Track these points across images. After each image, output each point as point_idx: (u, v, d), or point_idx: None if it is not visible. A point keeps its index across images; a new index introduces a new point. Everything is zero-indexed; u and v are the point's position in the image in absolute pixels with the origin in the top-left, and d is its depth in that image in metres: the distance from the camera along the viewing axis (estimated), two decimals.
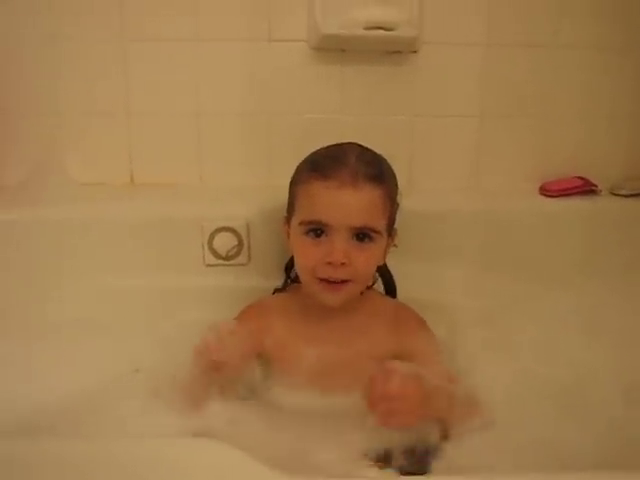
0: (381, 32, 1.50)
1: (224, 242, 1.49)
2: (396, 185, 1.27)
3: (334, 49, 1.57)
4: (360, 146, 1.24)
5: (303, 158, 1.26)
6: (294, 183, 1.25)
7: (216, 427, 1.04)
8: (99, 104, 1.59)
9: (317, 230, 1.17)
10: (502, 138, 1.67)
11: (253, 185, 1.61)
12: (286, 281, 1.39)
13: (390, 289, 1.43)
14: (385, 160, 1.26)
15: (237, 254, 1.50)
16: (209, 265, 1.50)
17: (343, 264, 1.15)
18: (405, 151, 1.65)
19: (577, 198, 1.62)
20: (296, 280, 1.33)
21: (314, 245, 1.17)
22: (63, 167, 1.60)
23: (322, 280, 1.17)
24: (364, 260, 1.17)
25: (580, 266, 1.54)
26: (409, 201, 1.51)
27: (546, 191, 1.63)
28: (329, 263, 1.15)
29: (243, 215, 1.49)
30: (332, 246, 1.15)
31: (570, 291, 1.45)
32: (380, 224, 1.19)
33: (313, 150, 1.26)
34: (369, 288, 1.31)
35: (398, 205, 1.27)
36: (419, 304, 1.41)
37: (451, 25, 1.58)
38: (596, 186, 1.63)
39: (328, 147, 1.25)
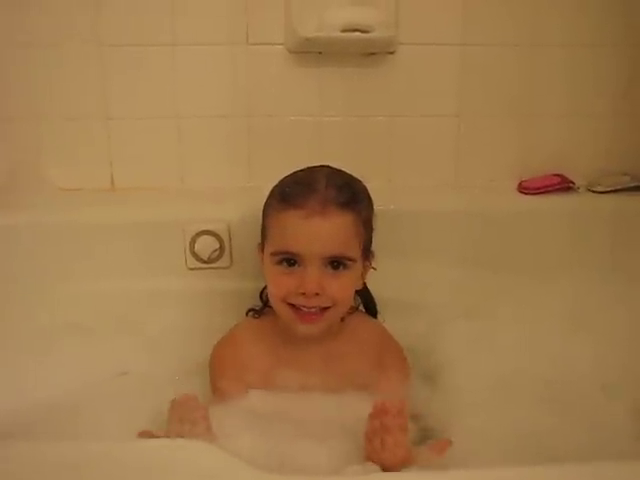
0: (358, 34, 1.51)
1: (206, 245, 1.49)
2: (371, 207, 1.24)
3: (312, 52, 1.57)
4: (331, 169, 1.21)
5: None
6: (265, 210, 1.22)
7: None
8: (78, 109, 1.59)
9: (290, 260, 1.14)
10: (480, 137, 1.68)
11: (234, 188, 1.62)
12: (263, 307, 1.31)
13: (371, 311, 1.37)
14: (358, 182, 1.23)
15: (219, 257, 1.50)
16: (191, 269, 1.50)
17: (317, 294, 1.12)
18: (384, 151, 1.66)
19: (555, 195, 1.63)
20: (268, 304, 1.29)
21: (286, 275, 1.14)
22: (43, 172, 1.60)
23: (296, 310, 1.14)
24: (339, 288, 1.14)
25: (559, 263, 1.56)
26: (389, 201, 1.54)
27: (524, 189, 1.64)
28: (302, 294, 1.12)
29: (224, 218, 1.49)
30: (305, 276, 1.12)
31: (550, 287, 1.47)
32: (354, 251, 1.16)
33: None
34: (351, 312, 1.28)
35: (373, 229, 1.24)
36: (400, 303, 1.43)
37: (427, 25, 1.60)
38: (573, 183, 1.65)
39: (298, 172, 1.21)
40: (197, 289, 1.50)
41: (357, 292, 1.28)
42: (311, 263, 1.12)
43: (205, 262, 1.50)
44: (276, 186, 1.21)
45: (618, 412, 1.17)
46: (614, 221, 1.60)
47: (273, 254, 1.16)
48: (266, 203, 1.22)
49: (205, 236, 1.48)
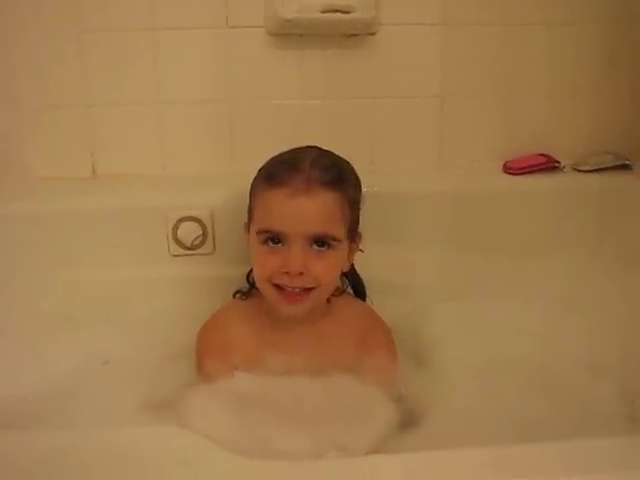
0: (338, 15, 1.50)
1: (188, 232, 1.48)
2: (358, 188, 1.24)
3: (292, 34, 1.56)
4: (319, 149, 1.22)
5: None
6: (252, 190, 1.21)
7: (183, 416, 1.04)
8: (57, 97, 1.57)
9: (274, 239, 1.14)
10: (464, 117, 1.67)
11: (216, 173, 1.60)
12: (250, 288, 1.31)
13: (359, 294, 1.36)
14: (346, 162, 1.23)
15: (202, 244, 1.49)
16: (174, 255, 1.49)
17: (301, 274, 1.11)
18: (367, 133, 1.65)
19: (541, 175, 1.63)
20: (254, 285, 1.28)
21: (271, 254, 1.14)
22: (23, 162, 1.58)
23: (280, 290, 1.14)
24: (323, 268, 1.13)
25: (546, 242, 1.56)
26: (373, 183, 1.53)
27: (509, 169, 1.64)
28: (286, 273, 1.12)
29: (207, 204, 1.48)
30: (289, 255, 1.12)
31: (537, 267, 1.48)
32: (338, 231, 1.15)
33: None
34: (339, 294, 1.28)
35: (360, 210, 1.24)
36: (387, 286, 1.42)
37: (408, 6, 1.58)
38: (559, 162, 1.64)
39: (285, 152, 1.22)
40: (181, 276, 1.49)
41: (345, 274, 1.30)
42: (295, 242, 1.12)
43: (188, 248, 1.49)
44: (263, 166, 1.21)
45: (607, 393, 1.16)
46: (600, 200, 1.60)
47: (258, 233, 1.15)
48: (253, 183, 1.21)
49: (188, 222, 1.47)
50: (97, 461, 0.79)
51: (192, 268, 1.50)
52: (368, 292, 1.36)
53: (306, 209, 1.12)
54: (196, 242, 1.48)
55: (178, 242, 1.48)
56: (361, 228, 1.24)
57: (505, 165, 1.65)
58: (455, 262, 1.53)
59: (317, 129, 1.60)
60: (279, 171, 1.16)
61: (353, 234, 1.22)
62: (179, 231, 1.47)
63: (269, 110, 1.60)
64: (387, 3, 1.56)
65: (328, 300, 1.24)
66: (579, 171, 1.65)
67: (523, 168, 1.62)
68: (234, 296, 1.32)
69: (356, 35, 1.58)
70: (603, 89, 1.70)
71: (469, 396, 1.17)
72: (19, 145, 1.58)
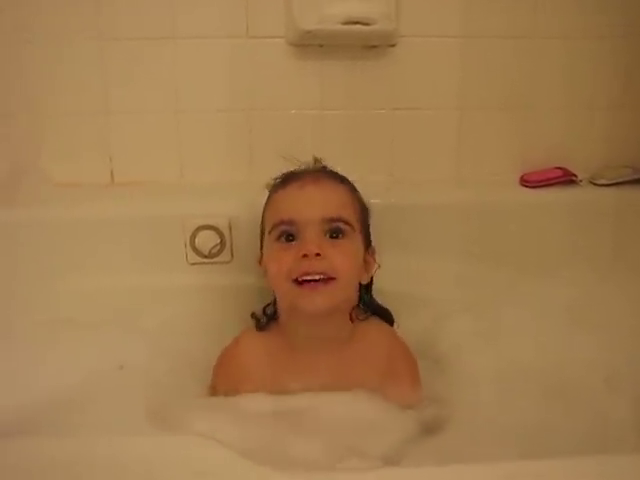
0: (359, 27, 1.50)
1: (206, 240, 1.48)
2: (365, 206, 1.25)
3: (312, 45, 1.56)
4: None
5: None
6: (263, 210, 1.23)
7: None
8: (78, 103, 1.58)
9: (288, 235, 1.14)
10: (482, 130, 1.67)
11: (234, 182, 1.61)
12: (267, 321, 1.27)
13: (386, 319, 1.31)
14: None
15: (219, 252, 1.49)
16: (192, 264, 1.49)
17: (318, 255, 1.10)
18: (386, 144, 1.65)
19: (557, 188, 1.62)
20: (273, 317, 1.26)
21: (286, 249, 1.13)
22: (42, 167, 1.59)
23: (300, 283, 1.11)
24: (339, 255, 1.12)
25: (561, 256, 1.55)
26: (391, 195, 1.54)
27: (526, 182, 1.64)
28: (304, 256, 1.10)
29: (225, 213, 1.48)
30: (304, 241, 1.11)
31: (552, 280, 1.47)
32: (351, 216, 1.16)
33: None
34: (363, 319, 1.24)
35: (369, 224, 1.25)
36: (404, 297, 1.42)
37: (428, 18, 1.59)
38: (576, 176, 1.64)
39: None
40: (198, 284, 1.49)
41: (370, 308, 1.28)
42: (308, 228, 1.12)
43: (206, 257, 1.49)
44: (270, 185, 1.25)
45: (621, 405, 1.16)
46: (617, 214, 1.59)
47: (271, 230, 1.16)
48: (263, 209, 1.24)
49: (206, 231, 1.48)
50: (113, 468, 0.79)
51: (209, 276, 1.50)
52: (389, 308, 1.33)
53: (315, 195, 1.15)
54: (214, 251, 1.48)
55: (196, 250, 1.48)
56: (374, 243, 1.25)
57: (522, 178, 1.65)
58: (472, 274, 1.52)
59: (336, 140, 1.61)
60: (286, 175, 1.21)
61: (367, 237, 1.23)
62: (197, 239, 1.48)
63: (288, 120, 1.60)
64: (407, 15, 1.56)
65: (351, 319, 1.22)
66: (596, 185, 1.65)
67: (540, 181, 1.62)
68: (251, 317, 1.29)
69: (376, 46, 1.58)
70: (621, 103, 1.69)
71: (485, 407, 1.17)
72: (38, 151, 1.59)
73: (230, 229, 1.48)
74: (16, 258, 1.44)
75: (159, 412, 1.10)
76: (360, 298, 1.26)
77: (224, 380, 1.22)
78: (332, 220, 1.13)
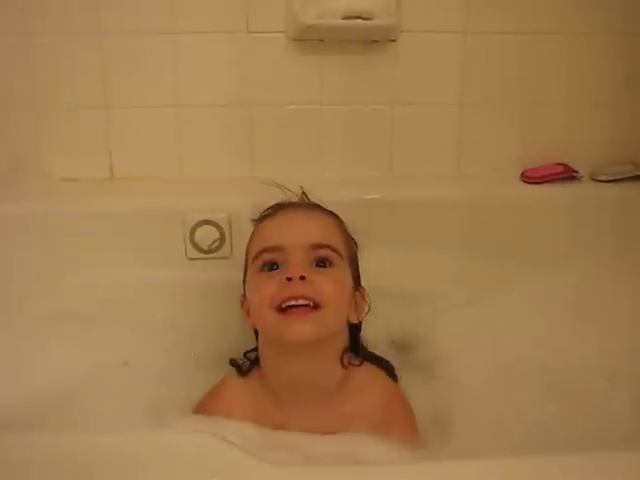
0: (359, 21, 1.50)
1: (206, 235, 1.48)
2: (354, 242, 1.19)
3: (312, 39, 1.56)
4: None
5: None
6: (248, 242, 1.17)
7: None
8: (77, 98, 1.57)
9: (272, 264, 1.07)
10: (483, 125, 1.67)
11: (234, 177, 1.60)
12: (249, 366, 1.17)
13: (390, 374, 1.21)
14: None
15: (219, 247, 1.49)
16: (191, 259, 1.49)
17: (303, 278, 1.02)
18: (386, 140, 1.64)
19: (558, 184, 1.62)
20: (256, 363, 1.16)
21: (269, 278, 1.06)
22: (42, 162, 1.58)
23: (284, 310, 1.02)
24: (328, 282, 1.04)
25: (562, 252, 1.55)
26: (391, 190, 1.54)
27: (527, 178, 1.63)
28: (288, 280, 1.02)
29: (225, 208, 1.48)
30: (289, 265, 1.05)
31: (553, 277, 1.47)
32: (339, 245, 1.10)
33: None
34: (358, 364, 1.14)
35: (358, 265, 1.17)
36: (401, 292, 1.42)
37: (429, 13, 1.58)
38: (577, 172, 1.64)
39: None
40: (197, 279, 1.49)
41: (369, 359, 1.18)
42: (293, 254, 1.05)
43: (205, 252, 1.49)
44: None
45: (623, 402, 1.16)
46: (618, 210, 1.59)
47: (254, 259, 1.10)
48: (247, 244, 1.18)
49: (205, 226, 1.47)
50: (117, 465, 0.79)
51: (208, 272, 1.49)
52: (386, 307, 1.30)
53: (301, 222, 1.11)
54: (213, 246, 1.48)
55: (195, 245, 1.48)
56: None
57: (523, 174, 1.64)
58: (471, 270, 1.52)
59: (336, 135, 1.60)
60: (274, 207, 1.18)
61: (355, 275, 1.15)
62: (196, 234, 1.47)
63: (288, 115, 1.60)
64: (408, 10, 1.55)
65: (343, 364, 1.11)
66: (597, 181, 1.64)
67: (541, 177, 1.62)
68: (230, 363, 1.20)
69: (377, 41, 1.57)
70: (622, 99, 1.68)
71: (484, 404, 1.17)
72: (38, 146, 1.59)
73: (230, 224, 1.48)
74: (14, 252, 1.44)
75: (156, 408, 1.11)
76: (352, 342, 1.17)
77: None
78: (319, 247, 1.07)
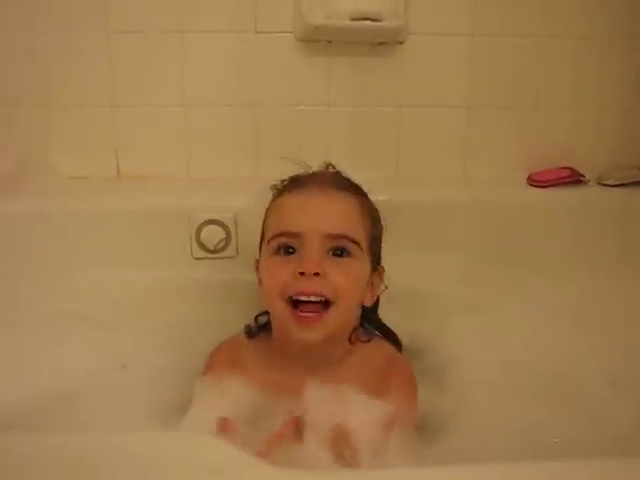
0: (368, 23, 1.50)
1: (212, 235, 1.48)
2: (378, 219, 1.16)
3: (321, 40, 1.56)
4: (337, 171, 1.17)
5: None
6: (265, 214, 1.15)
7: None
8: (85, 96, 1.58)
9: (288, 248, 1.05)
10: (490, 128, 1.67)
11: (241, 177, 1.60)
12: (258, 330, 1.20)
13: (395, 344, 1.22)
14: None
15: (225, 247, 1.49)
16: (197, 258, 1.49)
17: (317, 274, 1.01)
18: (393, 142, 1.65)
19: (565, 188, 1.62)
20: (266, 327, 1.18)
21: (284, 262, 1.04)
22: (49, 160, 1.59)
23: (294, 310, 1.02)
24: (342, 275, 1.03)
25: (568, 256, 1.55)
26: (396, 191, 1.53)
27: (534, 181, 1.63)
28: (301, 274, 1.01)
29: (231, 208, 1.48)
30: (303, 256, 1.02)
31: (558, 280, 1.47)
32: (358, 234, 1.06)
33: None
34: (366, 341, 1.16)
35: (381, 243, 1.16)
36: (407, 294, 1.42)
37: (437, 15, 1.58)
38: (583, 176, 1.63)
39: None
40: (202, 279, 1.48)
41: (377, 328, 1.21)
42: (310, 242, 1.03)
43: (211, 252, 1.49)
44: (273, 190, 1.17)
45: (625, 408, 1.15)
46: (624, 215, 1.59)
47: (270, 240, 1.07)
48: (266, 212, 1.16)
49: (211, 225, 1.47)
50: (116, 466, 0.79)
51: (214, 271, 1.49)
52: (390, 308, 1.28)
53: (321, 207, 1.06)
54: (219, 246, 1.48)
55: (201, 245, 1.48)
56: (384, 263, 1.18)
57: (530, 177, 1.65)
58: (476, 272, 1.52)
59: (343, 136, 1.61)
60: (291, 181, 1.13)
61: (375, 257, 1.13)
62: (202, 234, 1.47)
63: (295, 116, 1.60)
64: (416, 12, 1.56)
65: (350, 341, 1.13)
66: (603, 185, 1.64)
67: (548, 181, 1.62)
68: (245, 329, 1.22)
69: (384, 43, 1.58)
70: (629, 103, 1.69)
71: (486, 408, 1.16)
72: (45, 144, 1.60)
73: (236, 224, 1.48)
74: (21, 250, 1.44)
75: (160, 408, 1.10)
76: (364, 318, 1.19)
77: (217, 369, 1.14)
78: (337, 237, 1.04)
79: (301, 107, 1.61)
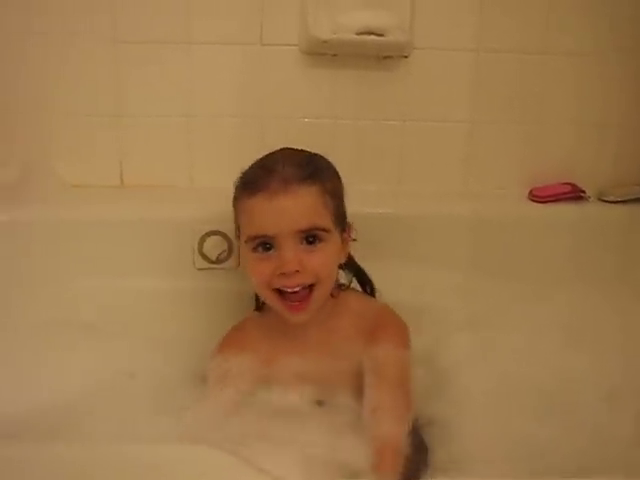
0: (372, 37, 1.51)
1: (214, 246, 1.49)
2: (337, 179, 1.23)
3: (326, 54, 1.57)
4: (290, 149, 1.23)
5: None
6: (234, 201, 1.23)
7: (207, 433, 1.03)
8: (90, 106, 1.59)
9: (265, 244, 1.14)
10: (492, 143, 1.68)
11: None
12: (258, 302, 1.32)
13: (366, 287, 1.36)
14: (321, 157, 1.23)
15: (227, 258, 1.50)
16: (199, 269, 1.50)
17: (297, 272, 1.12)
18: (396, 155, 1.66)
19: (565, 204, 1.63)
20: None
21: (264, 260, 1.14)
22: (53, 169, 1.60)
23: (282, 297, 1.15)
24: (318, 262, 1.14)
25: (567, 272, 1.55)
26: (398, 205, 1.54)
27: (535, 197, 1.64)
28: (282, 274, 1.12)
29: (233, 219, 1.48)
30: (281, 257, 1.12)
31: (557, 296, 1.47)
32: (325, 221, 1.15)
33: None
34: (343, 289, 1.28)
35: (343, 199, 1.23)
36: (407, 307, 1.42)
37: (442, 30, 1.59)
38: (584, 192, 1.64)
39: (259, 158, 1.23)
40: (204, 289, 1.49)
41: (345, 267, 1.30)
42: (285, 242, 1.12)
43: (213, 262, 1.50)
44: (239, 176, 1.23)
45: (620, 423, 1.16)
46: (625, 231, 1.60)
47: (247, 241, 1.16)
48: (233, 197, 1.23)
49: (214, 236, 1.48)
50: (121, 477, 0.79)
51: (216, 282, 1.50)
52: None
53: (288, 207, 1.12)
54: (221, 256, 1.49)
55: (203, 256, 1.49)
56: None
57: (531, 192, 1.65)
58: (475, 287, 1.52)
59: (347, 149, 1.62)
60: (255, 177, 1.18)
61: (342, 224, 1.22)
62: (205, 245, 1.48)
63: (300, 128, 1.61)
64: (421, 27, 1.57)
65: (333, 295, 1.23)
66: (605, 201, 1.65)
67: (549, 196, 1.62)
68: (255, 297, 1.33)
69: (389, 57, 1.58)
70: (631, 120, 1.70)
71: (483, 422, 1.16)
72: (49, 152, 1.60)
73: None
74: (24, 258, 1.44)
75: (160, 416, 1.11)
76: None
77: (226, 351, 1.25)
78: (307, 230, 1.13)
79: (306, 119, 1.62)
